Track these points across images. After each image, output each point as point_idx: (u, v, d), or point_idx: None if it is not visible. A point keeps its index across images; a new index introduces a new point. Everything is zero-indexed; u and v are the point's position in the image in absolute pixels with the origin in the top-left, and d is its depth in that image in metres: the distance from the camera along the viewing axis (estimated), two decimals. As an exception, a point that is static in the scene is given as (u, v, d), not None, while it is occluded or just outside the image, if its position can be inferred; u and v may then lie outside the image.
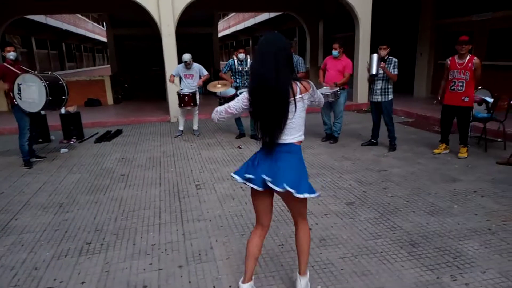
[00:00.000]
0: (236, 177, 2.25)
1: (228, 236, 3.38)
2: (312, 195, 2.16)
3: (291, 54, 2.21)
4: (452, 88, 5.37)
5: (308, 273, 2.51)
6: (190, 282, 2.73)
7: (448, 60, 5.47)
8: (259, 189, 2.18)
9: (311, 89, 2.23)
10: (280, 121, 2.13)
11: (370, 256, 2.97)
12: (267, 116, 2.13)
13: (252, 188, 2.22)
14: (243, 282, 2.38)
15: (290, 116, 2.14)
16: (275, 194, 2.29)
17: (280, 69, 2.09)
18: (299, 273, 2.46)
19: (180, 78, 7.43)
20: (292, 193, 2.11)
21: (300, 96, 2.15)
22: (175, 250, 3.18)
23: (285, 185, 2.10)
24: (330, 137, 6.71)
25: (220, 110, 2.31)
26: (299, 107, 2.16)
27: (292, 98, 2.11)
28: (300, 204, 2.31)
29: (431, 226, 3.45)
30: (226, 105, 2.31)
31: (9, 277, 2.88)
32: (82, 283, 2.77)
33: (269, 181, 2.13)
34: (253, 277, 2.42)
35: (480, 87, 5.92)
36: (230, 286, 2.65)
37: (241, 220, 3.68)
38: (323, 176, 4.91)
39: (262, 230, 2.38)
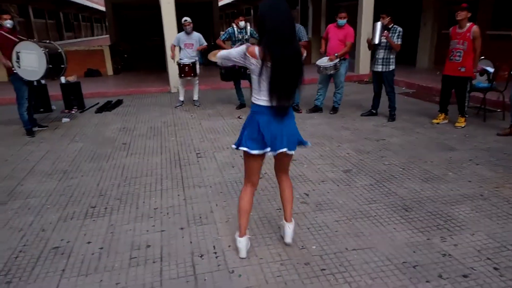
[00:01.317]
0: (252, 151, 2.39)
1: (227, 201, 3.49)
2: (309, 144, 2.60)
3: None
4: (451, 58, 5.36)
5: (293, 220, 2.78)
6: (191, 242, 2.85)
7: (450, 29, 5.43)
8: (268, 152, 2.41)
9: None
10: (298, 81, 2.32)
11: (364, 220, 3.08)
12: (292, 78, 2.27)
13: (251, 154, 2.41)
14: (240, 236, 2.61)
15: None
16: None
17: (294, 31, 2.26)
18: (286, 220, 2.73)
19: (180, 48, 7.38)
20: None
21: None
22: (177, 214, 3.29)
23: (295, 147, 2.48)
24: (317, 109, 6.71)
25: (222, 56, 2.45)
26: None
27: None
28: (291, 158, 2.61)
29: (425, 192, 3.55)
30: (227, 52, 2.45)
31: (18, 237, 3.00)
32: (88, 243, 2.89)
33: (289, 149, 2.41)
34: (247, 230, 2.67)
35: (482, 57, 5.88)
36: (229, 246, 2.77)
37: (240, 186, 3.77)
38: (322, 145, 4.98)
39: (252, 188, 2.60)
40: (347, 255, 2.63)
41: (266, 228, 3.00)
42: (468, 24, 5.17)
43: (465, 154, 4.49)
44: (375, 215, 3.15)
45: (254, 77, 2.31)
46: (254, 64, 2.26)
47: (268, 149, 2.38)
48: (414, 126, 5.70)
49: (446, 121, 5.79)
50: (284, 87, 2.27)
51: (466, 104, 5.48)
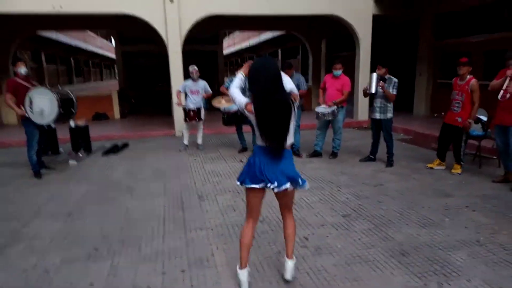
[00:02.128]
0: (252, 185, 2.60)
1: (228, 244, 3.56)
2: (306, 186, 2.70)
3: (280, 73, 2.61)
4: (451, 107, 5.62)
5: (294, 257, 2.90)
6: (192, 286, 2.91)
7: (453, 79, 5.72)
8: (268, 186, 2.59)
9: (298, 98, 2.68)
10: (287, 126, 2.56)
11: (362, 264, 3.14)
12: (277, 124, 2.53)
13: (252, 188, 2.62)
14: (241, 268, 2.76)
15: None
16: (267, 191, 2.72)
17: (280, 85, 2.57)
18: (288, 257, 2.85)
19: (186, 94, 7.70)
20: (295, 188, 2.67)
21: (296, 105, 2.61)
22: (178, 257, 3.36)
23: (299, 184, 2.65)
24: (316, 154, 6.90)
25: (231, 94, 2.73)
26: (293, 115, 2.60)
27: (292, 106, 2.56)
28: (292, 197, 2.82)
29: (422, 237, 3.61)
30: (235, 96, 2.70)
31: (21, 279, 3.07)
32: (91, 285, 2.95)
33: (287, 186, 2.59)
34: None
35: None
36: (229, 290, 2.82)
37: (241, 229, 3.84)
38: (322, 189, 5.09)
39: (253, 223, 2.80)
40: (345, 299, 2.67)
41: (266, 271, 3.05)
42: (468, 77, 5.44)
43: (461, 200, 4.58)
44: (373, 260, 3.20)
45: (256, 129, 2.62)
46: (249, 115, 2.62)
47: (268, 184, 2.57)
48: (411, 172, 5.83)
49: (443, 167, 5.92)
50: (270, 132, 2.54)
51: (461, 152, 5.65)
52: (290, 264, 2.84)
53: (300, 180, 2.66)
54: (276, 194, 2.70)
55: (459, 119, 5.48)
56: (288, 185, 2.60)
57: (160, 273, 3.10)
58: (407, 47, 12.13)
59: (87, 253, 3.47)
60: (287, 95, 2.57)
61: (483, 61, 9.32)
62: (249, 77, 2.63)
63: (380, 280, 2.89)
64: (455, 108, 5.56)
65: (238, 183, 2.70)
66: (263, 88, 2.52)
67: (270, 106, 2.50)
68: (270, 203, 4.49)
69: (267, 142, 2.56)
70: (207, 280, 2.97)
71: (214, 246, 3.54)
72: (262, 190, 2.67)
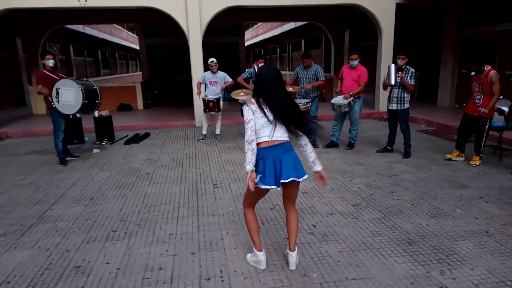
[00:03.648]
0: (272, 187, 2.72)
1: (237, 229, 3.68)
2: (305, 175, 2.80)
3: None
4: (473, 100, 5.52)
5: (296, 249, 2.99)
6: (200, 266, 3.05)
7: (472, 73, 5.59)
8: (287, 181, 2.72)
9: None
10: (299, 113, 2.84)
11: (367, 251, 3.20)
12: (290, 109, 2.78)
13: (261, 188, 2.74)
14: (259, 250, 2.94)
15: None
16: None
17: (281, 86, 2.86)
18: (291, 250, 2.94)
19: (206, 85, 7.86)
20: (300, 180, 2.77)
21: None
22: (189, 240, 3.51)
23: (304, 176, 2.77)
24: (333, 144, 6.90)
25: (247, 135, 2.75)
26: None
27: None
28: (297, 190, 2.91)
29: (431, 227, 3.62)
30: (247, 129, 2.75)
31: (45, 256, 3.30)
32: (107, 263, 3.14)
33: (295, 178, 2.73)
34: None
35: (501, 96, 5.95)
36: (235, 271, 2.95)
37: (245, 218, 3.96)
38: (334, 179, 5.14)
39: (254, 208, 3.01)
40: (346, 284, 2.75)
41: (272, 256, 3.16)
42: (487, 69, 5.31)
43: (476, 192, 4.53)
44: (378, 248, 3.25)
45: (258, 123, 2.74)
46: (254, 110, 2.75)
47: (286, 180, 2.71)
48: (429, 163, 5.77)
49: (462, 159, 5.83)
50: (288, 113, 2.77)
51: (483, 144, 5.54)
52: (293, 256, 2.94)
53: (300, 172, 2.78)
54: (289, 187, 2.82)
55: (483, 110, 5.35)
56: (305, 176, 2.77)
57: (171, 254, 3.26)
58: (431, 36, 11.84)
59: (106, 234, 3.68)
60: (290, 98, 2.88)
61: (510, 50, 8.99)
62: (258, 76, 2.87)
63: (383, 267, 2.94)
64: (477, 101, 5.46)
65: (266, 186, 2.73)
66: (269, 85, 2.79)
67: (278, 97, 2.76)
68: (279, 191, 4.60)
69: (288, 123, 2.75)
70: (215, 261, 3.11)
71: (224, 231, 3.67)
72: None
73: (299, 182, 2.78)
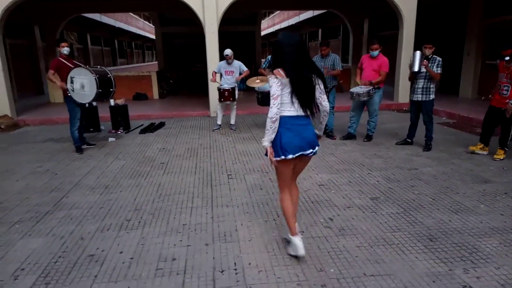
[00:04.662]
0: (289, 156, 2.72)
1: (252, 221, 3.61)
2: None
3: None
4: (499, 91, 5.28)
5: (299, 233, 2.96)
6: (214, 258, 3.00)
7: (498, 61, 5.36)
8: (307, 152, 2.78)
9: None
10: (313, 95, 2.77)
11: (386, 247, 3.08)
12: (307, 90, 2.72)
13: (288, 160, 2.74)
14: (294, 235, 2.88)
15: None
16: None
17: (305, 56, 2.77)
18: (293, 235, 2.89)
19: (221, 75, 7.77)
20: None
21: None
22: (203, 230, 3.46)
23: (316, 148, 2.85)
24: (350, 136, 6.73)
25: (272, 113, 2.67)
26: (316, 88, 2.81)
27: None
28: (307, 163, 3.00)
29: (453, 223, 3.48)
30: (272, 98, 2.67)
31: (59, 244, 3.29)
32: (121, 252, 3.12)
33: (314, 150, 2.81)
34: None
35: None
36: (250, 263, 2.88)
37: (266, 208, 3.90)
38: (352, 172, 5.01)
39: (289, 191, 2.93)
40: (364, 280, 2.65)
41: (287, 249, 3.07)
42: None
43: (500, 187, 4.34)
44: (398, 243, 3.14)
45: (284, 93, 2.70)
46: (283, 83, 2.68)
47: (306, 152, 2.76)
48: (450, 157, 5.57)
49: (486, 152, 5.61)
50: (304, 96, 2.71)
51: (509, 137, 5.31)
52: (298, 240, 2.87)
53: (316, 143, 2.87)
54: (302, 160, 2.86)
55: (511, 102, 5.12)
56: (316, 148, 2.84)
57: (185, 245, 3.22)
58: (454, 25, 11.44)
59: (120, 223, 3.66)
60: (313, 66, 2.76)
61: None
62: (273, 50, 2.78)
63: (403, 263, 2.83)
64: (504, 92, 5.22)
65: (278, 158, 2.74)
66: (290, 57, 2.67)
67: (301, 74, 2.67)
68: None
69: (301, 106, 2.71)
70: (229, 253, 3.05)
71: (239, 222, 3.61)
72: (296, 159, 2.78)
73: (311, 156, 2.85)
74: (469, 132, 7.27)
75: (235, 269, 2.82)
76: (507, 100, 5.14)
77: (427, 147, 6.01)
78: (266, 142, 2.73)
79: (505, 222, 3.46)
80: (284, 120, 2.73)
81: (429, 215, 3.67)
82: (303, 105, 2.71)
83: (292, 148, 2.71)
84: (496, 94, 5.39)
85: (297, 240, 2.85)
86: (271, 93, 2.68)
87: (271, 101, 2.67)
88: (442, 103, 9.65)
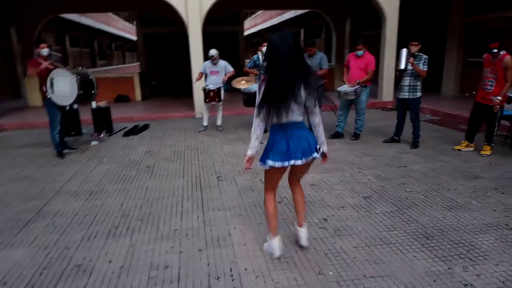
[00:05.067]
0: (276, 163, 2.66)
1: (245, 224, 3.52)
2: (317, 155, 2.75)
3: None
4: (483, 86, 5.32)
5: (305, 224, 3.01)
6: (208, 264, 2.89)
7: (484, 56, 5.40)
8: (298, 162, 2.65)
9: None
10: (288, 104, 2.60)
11: (383, 247, 3.04)
12: (279, 99, 2.58)
13: (275, 168, 2.68)
14: (274, 236, 2.87)
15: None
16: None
17: (293, 60, 2.57)
18: (300, 226, 2.97)
19: (206, 75, 7.63)
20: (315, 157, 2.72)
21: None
22: (196, 236, 3.34)
23: (314, 154, 2.70)
24: (338, 135, 6.72)
25: (256, 122, 2.70)
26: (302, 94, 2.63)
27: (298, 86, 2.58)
28: (308, 167, 2.88)
29: (448, 220, 3.46)
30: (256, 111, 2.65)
31: (43, 255, 3.12)
32: (109, 261, 2.97)
33: (309, 157, 2.67)
34: None
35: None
36: (246, 269, 2.78)
37: (259, 210, 3.81)
38: (342, 171, 4.97)
39: (274, 194, 2.91)
40: (364, 282, 2.59)
41: (283, 252, 2.99)
42: (502, 53, 5.11)
43: (490, 182, 4.37)
44: (395, 243, 3.10)
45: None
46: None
47: (292, 161, 2.64)
48: (438, 154, 5.60)
49: (472, 149, 5.67)
50: (275, 106, 2.58)
51: (494, 133, 5.37)
52: (304, 231, 2.96)
53: (316, 149, 2.73)
54: (300, 165, 2.73)
55: (494, 98, 5.15)
56: (315, 154, 2.70)
57: (177, 251, 3.10)
58: (436, 23, 11.59)
59: (107, 231, 3.51)
60: (307, 71, 2.61)
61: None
62: (266, 51, 2.66)
63: (402, 263, 2.79)
64: (488, 87, 5.26)
65: (261, 164, 2.73)
66: (275, 63, 2.54)
67: (279, 81, 2.51)
68: (287, 184, 4.42)
69: (272, 115, 2.62)
70: (223, 259, 2.94)
71: (232, 226, 3.50)
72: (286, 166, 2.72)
73: (310, 162, 2.75)
74: (454, 128, 7.35)
75: (231, 275, 2.72)
76: (491, 96, 5.18)
77: (415, 144, 6.04)
78: (250, 150, 2.76)
79: (499, 218, 3.46)
80: (274, 127, 2.72)
81: (423, 212, 3.65)
82: (276, 115, 2.62)
83: (279, 157, 2.65)
84: (480, 90, 5.43)
85: (277, 242, 2.87)
86: (257, 100, 2.63)
87: (256, 108, 2.65)
88: (426, 101, 9.68)
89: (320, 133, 2.77)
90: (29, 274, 2.84)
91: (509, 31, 8.99)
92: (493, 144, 5.45)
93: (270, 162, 2.67)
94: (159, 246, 3.19)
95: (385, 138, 6.56)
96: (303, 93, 2.59)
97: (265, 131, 2.80)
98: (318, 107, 2.71)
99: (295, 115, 2.65)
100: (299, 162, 2.64)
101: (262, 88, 2.59)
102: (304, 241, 2.96)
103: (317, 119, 2.73)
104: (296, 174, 2.94)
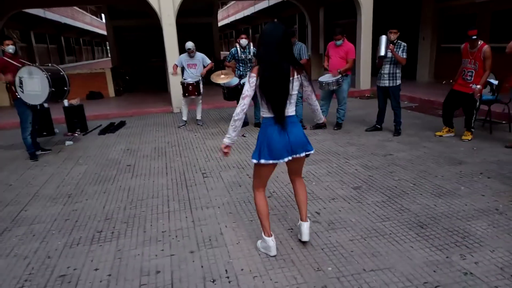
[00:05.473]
0: (270, 160, 2.61)
1: (237, 222, 3.40)
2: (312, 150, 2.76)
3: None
4: (463, 76, 5.36)
5: (308, 219, 2.95)
6: (202, 266, 2.76)
7: (462, 46, 5.42)
8: (286, 160, 2.63)
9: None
10: (286, 96, 2.57)
11: (379, 238, 3.00)
12: (277, 92, 2.53)
13: (265, 164, 2.63)
14: (269, 236, 2.79)
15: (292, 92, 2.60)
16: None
17: (285, 53, 2.56)
18: (303, 220, 2.89)
19: (183, 69, 7.41)
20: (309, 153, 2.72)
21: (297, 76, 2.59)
22: (186, 237, 3.21)
23: (308, 150, 2.71)
24: (321, 125, 6.68)
25: (235, 112, 2.60)
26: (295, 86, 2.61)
27: (291, 78, 2.56)
28: (303, 162, 2.84)
29: (439, 207, 3.47)
30: (243, 97, 2.57)
31: (23, 265, 2.91)
32: (96, 269, 2.80)
33: (299, 153, 2.66)
34: None
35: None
36: (242, 269, 2.68)
37: (249, 206, 3.70)
38: (329, 162, 4.92)
39: (264, 190, 2.83)
40: (365, 276, 2.53)
41: (279, 249, 2.90)
42: (480, 43, 5.14)
43: (475, 167, 4.43)
44: (390, 233, 3.06)
45: (258, 94, 2.61)
46: (257, 84, 2.55)
47: (286, 158, 2.62)
48: (421, 140, 5.65)
49: (452, 134, 5.75)
50: (272, 101, 2.54)
51: (473, 119, 5.45)
52: (306, 226, 2.88)
53: (309, 145, 2.74)
54: (294, 160, 2.70)
55: (473, 86, 5.20)
56: (303, 153, 2.68)
57: (168, 254, 2.95)
58: (409, 10, 11.70)
59: (91, 236, 3.32)
60: (294, 63, 2.58)
61: (490, 22, 8.97)
62: (258, 42, 2.66)
63: (400, 254, 2.75)
64: (468, 78, 5.30)
65: (256, 161, 2.65)
66: (267, 53, 2.53)
67: (274, 72, 2.50)
68: (275, 178, 4.34)
69: (270, 109, 2.57)
70: (218, 260, 2.82)
71: (223, 224, 3.38)
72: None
73: (303, 157, 2.73)
74: (432, 114, 7.46)
75: (228, 277, 2.61)
76: (471, 85, 5.24)
77: (397, 131, 6.07)
78: (226, 139, 2.66)
79: (488, 203, 3.49)
80: (265, 122, 2.65)
81: (414, 201, 3.64)
82: (272, 109, 2.57)
83: (271, 153, 2.60)
84: (459, 79, 5.48)
85: (271, 242, 2.79)
86: (243, 91, 2.58)
87: (240, 100, 2.58)
88: (402, 87, 9.81)
89: (314, 101, 2.85)
90: (9, 287, 2.64)
91: (481, 16, 9.17)
92: (473, 129, 5.54)
93: (263, 161, 2.62)
94: (148, 250, 3.03)
95: (367, 126, 6.57)
96: (296, 82, 2.60)
97: (246, 123, 2.74)
98: (312, 90, 2.77)
99: (290, 109, 2.64)
100: (294, 157, 2.64)
101: (253, 80, 2.53)
102: (305, 236, 2.88)
103: (313, 97, 2.81)
104: (293, 171, 2.88)
